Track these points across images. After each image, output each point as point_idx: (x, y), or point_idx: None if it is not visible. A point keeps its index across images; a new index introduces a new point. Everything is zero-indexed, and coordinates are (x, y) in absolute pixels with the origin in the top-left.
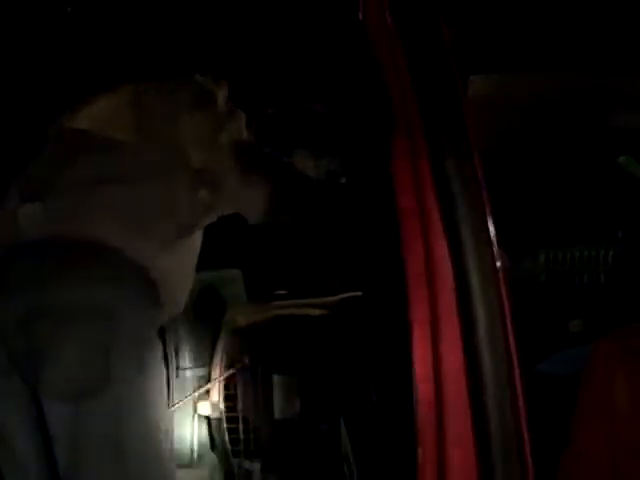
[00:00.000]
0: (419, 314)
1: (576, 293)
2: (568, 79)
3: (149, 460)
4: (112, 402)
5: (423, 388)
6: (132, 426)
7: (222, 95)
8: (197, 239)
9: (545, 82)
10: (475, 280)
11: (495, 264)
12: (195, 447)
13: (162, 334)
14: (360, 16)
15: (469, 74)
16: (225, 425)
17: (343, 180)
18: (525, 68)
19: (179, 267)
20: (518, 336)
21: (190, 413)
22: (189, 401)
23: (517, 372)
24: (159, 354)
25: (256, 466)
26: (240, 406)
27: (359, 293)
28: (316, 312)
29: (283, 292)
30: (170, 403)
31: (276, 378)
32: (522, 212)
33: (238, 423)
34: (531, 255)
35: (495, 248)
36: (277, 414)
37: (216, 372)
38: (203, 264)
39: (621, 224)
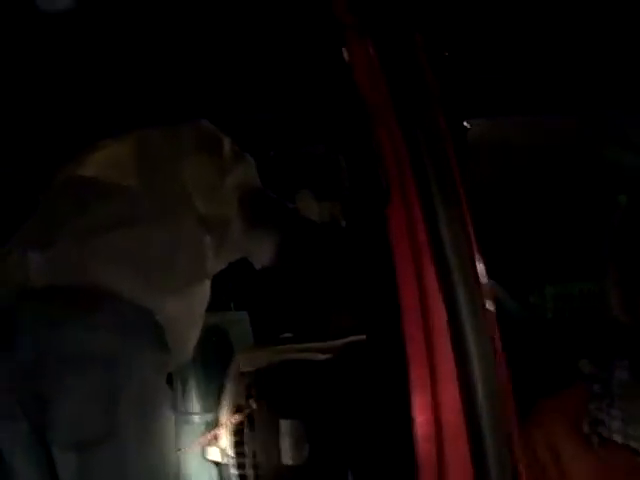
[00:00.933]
0: (417, 368)
1: (585, 330)
2: (564, 121)
3: None
4: (117, 450)
5: (422, 432)
6: (137, 473)
7: (227, 140)
8: (205, 284)
9: (540, 124)
10: (473, 350)
11: (491, 327)
12: None
13: (170, 379)
14: (353, 77)
15: (465, 118)
16: (234, 471)
17: (344, 224)
18: (520, 112)
19: (187, 313)
20: (515, 376)
21: (199, 459)
22: (197, 447)
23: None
24: (166, 400)
25: None
26: (248, 451)
27: (363, 337)
28: (322, 356)
29: (289, 335)
30: (178, 449)
31: (283, 423)
32: (529, 248)
33: (246, 468)
34: (538, 291)
35: (488, 309)
36: (285, 459)
37: (224, 417)
38: (210, 306)
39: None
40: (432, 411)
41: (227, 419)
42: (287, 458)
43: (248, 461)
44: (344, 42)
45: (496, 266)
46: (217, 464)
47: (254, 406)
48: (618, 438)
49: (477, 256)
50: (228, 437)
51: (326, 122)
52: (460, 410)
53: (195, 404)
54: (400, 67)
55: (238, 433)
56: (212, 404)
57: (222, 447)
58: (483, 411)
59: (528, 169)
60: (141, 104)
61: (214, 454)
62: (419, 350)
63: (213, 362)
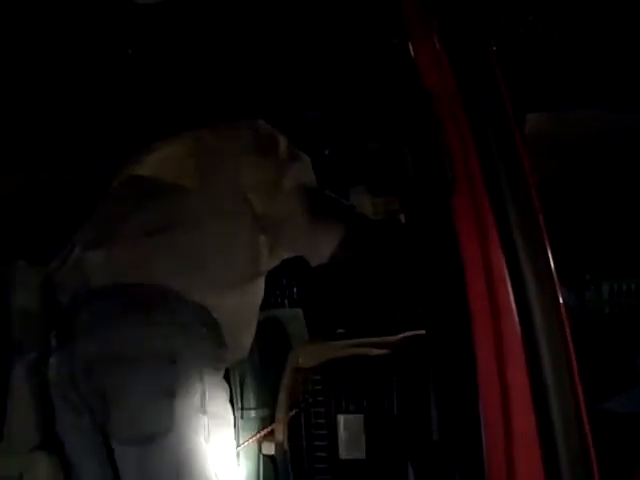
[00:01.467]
0: (485, 356)
1: None
2: (620, 116)
3: None
4: (175, 445)
5: (490, 428)
6: (197, 469)
7: (283, 139)
8: (260, 282)
9: (599, 118)
10: (539, 326)
11: (559, 311)
12: None
13: (227, 375)
14: (420, 74)
15: (525, 112)
16: (290, 465)
17: (401, 219)
18: (579, 106)
19: (242, 309)
20: (583, 374)
21: (255, 453)
22: (254, 441)
23: (584, 411)
24: (224, 396)
25: None
26: (305, 445)
27: (419, 332)
28: (377, 352)
29: (343, 331)
30: (235, 443)
31: (341, 417)
32: (585, 244)
33: (303, 462)
34: (594, 287)
35: (559, 295)
36: (342, 454)
37: (280, 412)
38: (265, 303)
39: None
40: (500, 406)
41: (283, 414)
42: (344, 452)
43: (305, 455)
44: (410, 36)
45: (554, 261)
46: (273, 458)
47: (310, 401)
48: None
49: (547, 245)
50: (284, 432)
51: (388, 116)
52: (530, 404)
53: (252, 399)
54: (467, 60)
55: (294, 428)
56: (268, 399)
57: (278, 441)
58: (554, 407)
59: (588, 164)
60: (198, 103)
61: (270, 449)
62: (487, 338)
63: (269, 358)
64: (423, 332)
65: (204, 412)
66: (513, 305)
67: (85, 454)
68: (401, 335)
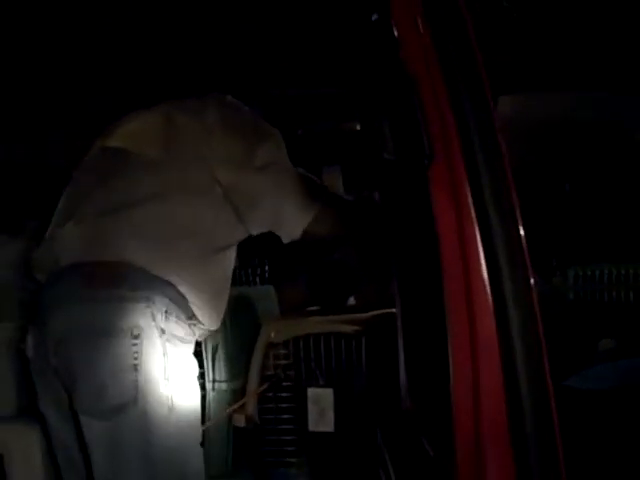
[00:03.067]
0: (456, 326)
1: (605, 311)
2: (594, 97)
3: (179, 471)
4: (141, 417)
5: (461, 401)
6: (161, 439)
7: (253, 115)
8: (228, 256)
9: (570, 100)
10: (512, 304)
11: (530, 286)
12: (230, 458)
13: (199, 348)
14: (400, 50)
15: (498, 94)
16: (260, 437)
17: (374, 197)
18: (552, 88)
19: (209, 283)
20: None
21: (226, 425)
22: (225, 413)
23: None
24: (191, 369)
25: (293, 476)
26: (275, 418)
27: (389, 310)
28: (348, 328)
29: (315, 309)
30: (206, 416)
31: (310, 391)
32: (552, 230)
33: (273, 435)
34: (561, 272)
35: (530, 270)
36: (311, 426)
37: (251, 385)
38: (237, 281)
39: None
40: (470, 373)
41: (254, 387)
42: (313, 425)
43: (275, 428)
44: (390, 12)
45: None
46: (244, 431)
47: (281, 375)
48: None
49: (519, 217)
50: (255, 405)
51: (367, 88)
52: (499, 377)
53: (223, 372)
54: (446, 33)
55: (265, 401)
56: (240, 373)
57: (249, 414)
58: (522, 377)
59: (557, 148)
60: (169, 78)
61: (241, 421)
62: (459, 309)
63: (241, 333)
64: (393, 310)
65: (168, 384)
66: (486, 277)
67: (65, 427)
68: (371, 313)
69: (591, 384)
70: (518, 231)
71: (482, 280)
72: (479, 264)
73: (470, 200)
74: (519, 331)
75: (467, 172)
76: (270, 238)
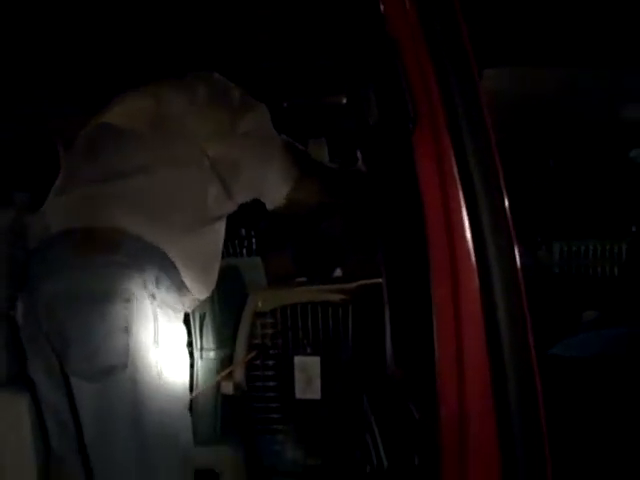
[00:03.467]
0: (441, 294)
1: (589, 284)
2: (580, 73)
3: (167, 436)
4: (131, 380)
5: (444, 366)
6: (150, 403)
7: (238, 90)
8: (218, 226)
9: (557, 76)
10: (496, 272)
11: (513, 253)
12: (218, 425)
13: (187, 317)
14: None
15: (483, 68)
16: (248, 404)
17: (360, 168)
18: (537, 63)
19: (200, 252)
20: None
21: (214, 393)
22: (213, 381)
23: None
24: (180, 335)
25: (279, 442)
26: (262, 386)
27: (376, 280)
28: (335, 297)
29: (303, 279)
30: (194, 383)
31: (297, 359)
32: (537, 205)
33: (260, 402)
34: (546, 247)
35: (514, 237)
36: (298, 394)
37: (239, 353)
38: (224, 252)
39: (635, 218)
40: (454, 341)
41: (242, 355)
42: (300, 393)
43: (262, 396)
44: None
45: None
46: (231, 398)
47: (269, 343)
48: None
49: (503, 183)
50: (243, 372)
51: (353, 56)
52: (483, 343)
53: (211, 341)
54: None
55: (253, 369)
56: (228, 341)
57: (237, 382)
58: (505, 343)
59: (542, 123)
60: (157, 59)
61: (229, 389)
62: (444, 275)
63: (229, 302)
64: (379, 279)
65: (157, 350)
66: (470, 244)
67: (55, 392)
68: (358, 282)
69: (575, 352)
70: (502, 197)
71: (466, 246)
72: (463, 230)
73: (454, 165)
74: (503, 298)
75: (451, 137)
76: (257, 210)
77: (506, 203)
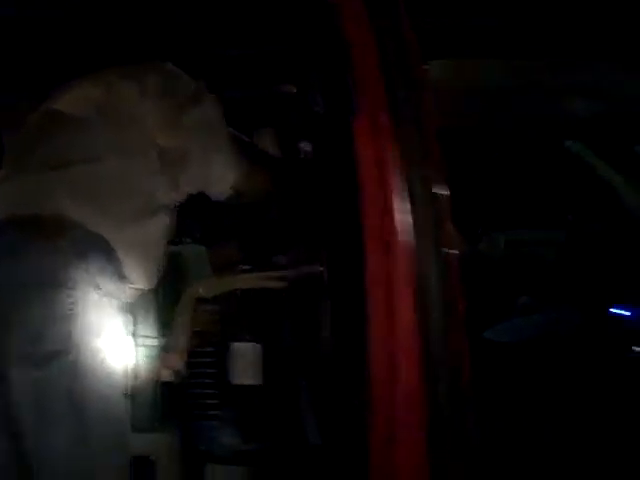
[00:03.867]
0: (375, 281)
1: (527, 272)
2: (521, 65)
3: (105, 423)
4: (72, 366)
5: (377, 346)
6: (90, 390)
7: (190, 81)
8: (164, 217)
9: (498, 68)
10: (433, 262)
11: (451, 243)
12: (156, 412)
13: (127, 304)
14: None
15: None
16: (187, 391)
17: (306, 158)
18: (480, 55)
19: (144, 243)
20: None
21: (153, 380)
22: (152, 368)
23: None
24: (121, 324)
25: (216, 428)
26: (202, 373)
27: (317, 266)
28: (276, 285)
29: (247, 267)
30: (133, 370)
31: (238, 345)
32: (481, 196)
33: (199, 389)
34: (487, 236)
35: (450, 227)
36: (238, 380)
37: (179, 341)
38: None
39: (571, 208)
40: (387, 330)
41: (182, 342)
42: (239, 379)
43: (201, 382)
44: None
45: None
46: (170, 385)
47: (210, 330)
48: None
49: (443, 172)
50: (183, 359)
51: (300, 46)
52: (415, 333)
53: (152, 328)
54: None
55: (193, 356)
56: (169, 328)
57: (176, 369)
58: (437, 334)
59: (482, 113)
60: (110, 47)
61: (168, 375)
62: (379, 263)
63: (171, 290)
64: (320, 268)
65: (99, 338)
66: (408, 231)
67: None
68: (299, 269)
69: (508, 336)
70: (442, 186)
71: (403, 233)
72: (401, 217)
73: (394, 155)
74: (436, 284)
75: (391, 126)
76: (203, 197)
77: (446, 193)
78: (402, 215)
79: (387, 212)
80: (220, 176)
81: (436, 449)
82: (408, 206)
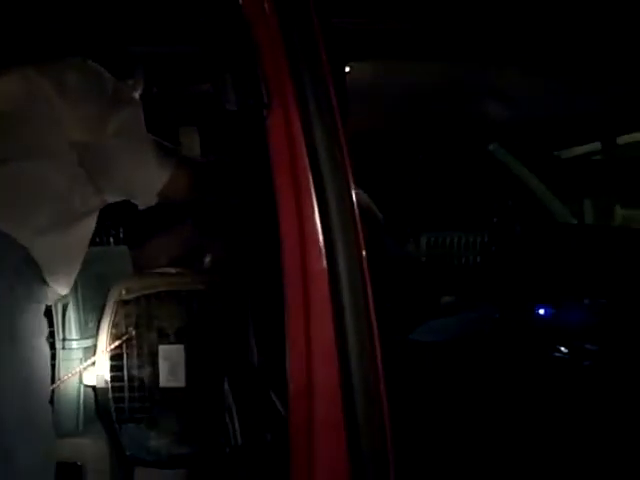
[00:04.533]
0: (291, 283)
1: (451, 273)
2: (441, 69)
3: (27, 430)
4: None
5: (295, 351)
6: (9, 397)
7: (112, 80)
8: (85, 223)
9: (419, 71)
10: (343, 264)
11: (360, 242)
12: (81, 417)
13: (48, 307)
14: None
15: (348, 61)
16: (111, 394)
17: (229, 157)
18: (401, 57)
19: (64, 249)
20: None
21: (76, 383)
22: (75, 372)
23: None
24: (40, 329)
25: (142, 431)
26: (126, 376)
27: (240, 269)
28: (200, 286)
29: (171, 270)
30: (56, 374)
31: (161, 347)
32: (406, 198)
33: (124, 392)
34: (414, 238)
35: (360, 226)
36: (162, 382)
37: (102, 343)
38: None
39: (496, 211)
40: (304, 334)
41: (105, 345)
42: (164, 381)
43: (126, 385)
44: None
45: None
46: (94, 389)
47: (133, 333)
48: None
49: (351, 168)
50: (106, 362)
51: (212, 43)
52: (332, 337)
53: (73, 331)
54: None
55: (116, 358)
56: (91, 330)
57: (100, 372)
58: (352, 338)
59: (403, 116)
60: (29, 39)
61: (92, 379)
62: (294, 265)
63: (93, 291)
64: (244, 270)
65: (17, 343)
66: (319, 230)
67: None
68: (223, 271)
69: (433, 336)
70: (349, 182)
71: (315, 231)
72: (312, 215)
73: (305, 151)
74: (349, 284)
75: (302, 123)
76: (125, 200)
77: (353, 190)
78: (313, 212)
79: (299, 210)
80: (145, 186)
81: (354, 445)
82: (319, 204)
